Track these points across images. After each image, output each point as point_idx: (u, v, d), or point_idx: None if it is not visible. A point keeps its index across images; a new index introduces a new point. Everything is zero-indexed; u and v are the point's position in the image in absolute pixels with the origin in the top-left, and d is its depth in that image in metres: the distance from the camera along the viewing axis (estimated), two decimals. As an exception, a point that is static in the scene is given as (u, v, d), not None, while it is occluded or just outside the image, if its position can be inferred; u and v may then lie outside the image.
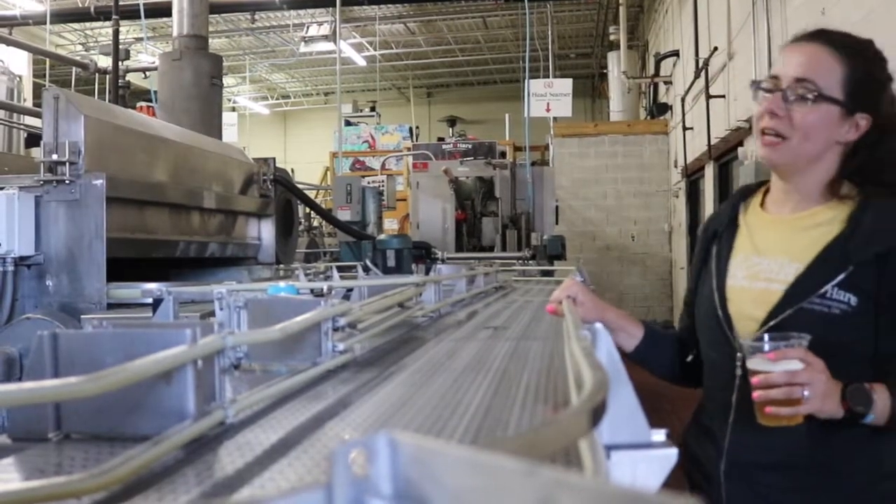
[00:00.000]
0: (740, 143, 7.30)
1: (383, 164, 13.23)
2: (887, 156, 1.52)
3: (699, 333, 1.69)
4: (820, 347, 1.38)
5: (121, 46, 8.66)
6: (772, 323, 1.49)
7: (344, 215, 6.96)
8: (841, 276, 1.44)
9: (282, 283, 1.99)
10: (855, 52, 1.53)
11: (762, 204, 1.67)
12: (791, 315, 1.47)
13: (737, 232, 1.67)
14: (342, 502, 0.36)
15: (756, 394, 1.37)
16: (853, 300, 1.44)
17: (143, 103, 9.91)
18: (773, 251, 1.57)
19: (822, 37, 1.55)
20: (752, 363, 1.38)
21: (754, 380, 1.37)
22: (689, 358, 1.73)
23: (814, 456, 1.47)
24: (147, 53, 12.24)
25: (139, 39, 13.43)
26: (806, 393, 1.33)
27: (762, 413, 1.37)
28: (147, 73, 9.75)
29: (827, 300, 1.45)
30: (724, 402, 1.55)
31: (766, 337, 1.39)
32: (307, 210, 8.55)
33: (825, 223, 1.52)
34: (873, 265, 1.44)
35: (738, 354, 1.48)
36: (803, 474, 1.49)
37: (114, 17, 8.31)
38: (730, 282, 1.62)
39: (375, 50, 17.58)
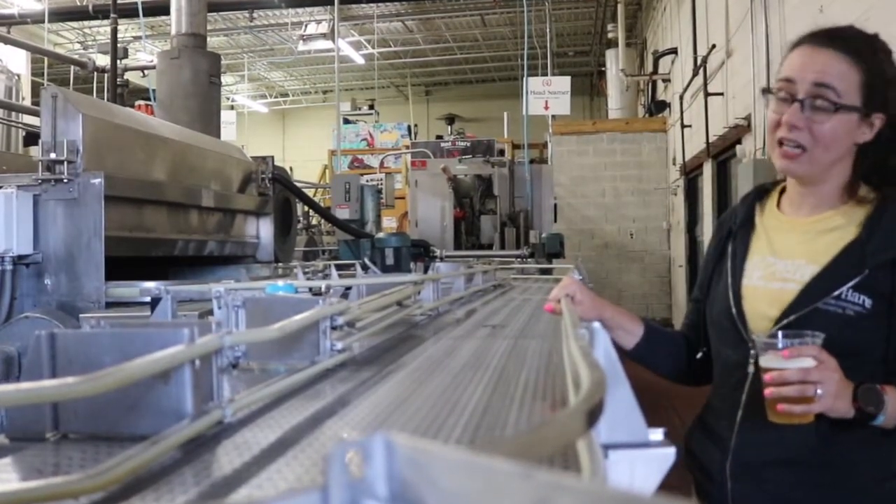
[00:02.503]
0: (738, 141, 7.30)
1: (382, 163, 13.23)
2: None
3: (711, 331, 1.69)
4: (834, 348, 1.38)
5: (119, 45, 8.65)
6: (785, 321, 1.49)
7: (342, 213, 6.95)
8: (857, 280, 1.44)
9: (280, 282, 1.99)
10: (868, 53, 1.51)
11: (778, 205, 1.66)
12: (805, 315, 1.47)
13: (753, 232, 1.67)
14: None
15: (768, 391, 1.36)
16: (868, 302, 1.44)
17: (142, 102, 9.90)
18: (790, 253, 1.57)
19: (835, 42, 1.51)
20: (765, 360, 1.38)
21: (767, 377, 1.37)
22: (699, 355, 1.73)
23: (821, 454, 1.47)
24: (145, 52, 12.23)
25: (137, 38, 13.43)
26: (819, 391, 1.33)
27: (773, 410, 1.37)
28: (145, 72, 9.74)
29: (842, 302, 1.45)
30: (734, 400, 1.55)
31: (779, 334, 1.38)
32: (306, 208, 8.55)
33: (842, 226, 1.52)
34: (889, 269, 1.44)
35: (752, 352, 1.48)
36: (810, 472, 1.48)
37: (112, 15, 8.31)
38: (745, 281, 1.62)
39: (374, 48, 17.56)
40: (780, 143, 1.52)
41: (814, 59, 1.51)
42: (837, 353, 1.38)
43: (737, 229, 1.70)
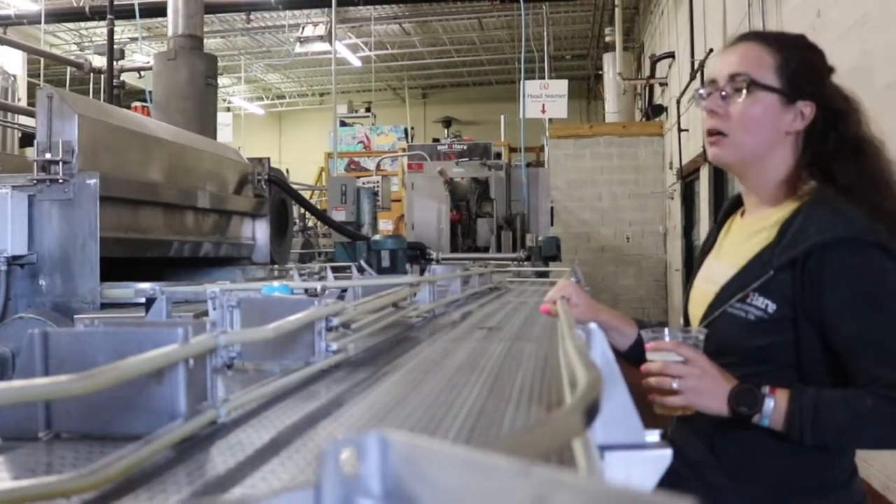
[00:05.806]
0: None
1: (378, 165, 13.22)
2: (837, 144, 1.47)
3: None
4: (739, 353, 1.43)
5: (115, 46, 8.65)
6: (703, 324, 1.52)
7: (339, 216, 6.96)
8: (759, 282, 1.44)
9: (275, 283, 1.99)
10: (787, 43, 1.54)
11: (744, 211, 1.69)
12: (717, 317, 1.50)
13: (718, 238, 1.72)
14: (331, 502, 0.36)
15: (644, 381, 1.41)
16: (771, 307, 1.42)
17: (138, 103, 9.89)
18: (727, 255, 1.60)
19: (752, 35, 1.57)
20: (648, 354, 1.43)
21: (642, 367, 1.43)
22: None
23: (721, 455, 1.50)
24: (142, 53, 12.23)
25: (134, 39, 13.44)
26: (675, 385, 1.36)
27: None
28: (142, 73, 9.74)
29: (746, 305, 1.45)
30: None
31: (665, 330, 1.43)
32: (302, 210, 8.54)
33: (768, 227, 1.50)
34: (790, 271, 1.41)
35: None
36: (714, 473, 1.51)
37: (108, 16, 8.31)
38: (695, 283, 1.69)
39: (371, 50, 17.56)
40: (708, 133, 1.55)
41: (729, 56, 1.55)
42: (745, 358, 1.42)
43: (709, 234, 1.77)
